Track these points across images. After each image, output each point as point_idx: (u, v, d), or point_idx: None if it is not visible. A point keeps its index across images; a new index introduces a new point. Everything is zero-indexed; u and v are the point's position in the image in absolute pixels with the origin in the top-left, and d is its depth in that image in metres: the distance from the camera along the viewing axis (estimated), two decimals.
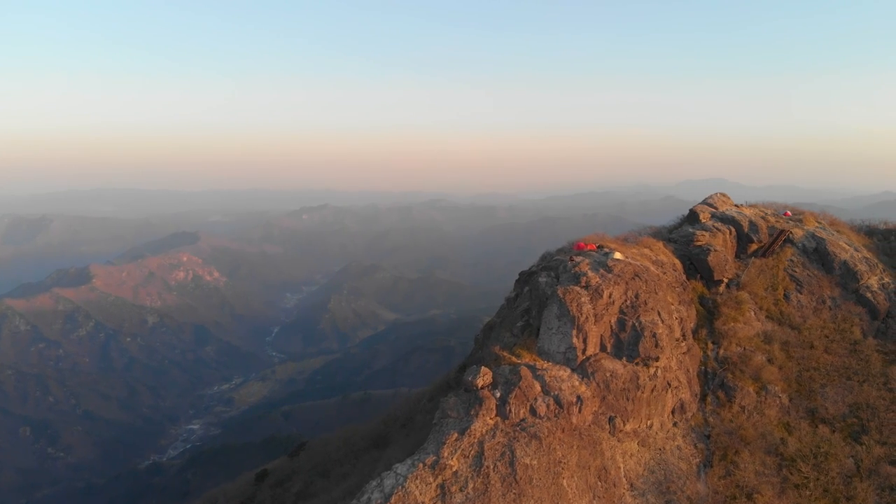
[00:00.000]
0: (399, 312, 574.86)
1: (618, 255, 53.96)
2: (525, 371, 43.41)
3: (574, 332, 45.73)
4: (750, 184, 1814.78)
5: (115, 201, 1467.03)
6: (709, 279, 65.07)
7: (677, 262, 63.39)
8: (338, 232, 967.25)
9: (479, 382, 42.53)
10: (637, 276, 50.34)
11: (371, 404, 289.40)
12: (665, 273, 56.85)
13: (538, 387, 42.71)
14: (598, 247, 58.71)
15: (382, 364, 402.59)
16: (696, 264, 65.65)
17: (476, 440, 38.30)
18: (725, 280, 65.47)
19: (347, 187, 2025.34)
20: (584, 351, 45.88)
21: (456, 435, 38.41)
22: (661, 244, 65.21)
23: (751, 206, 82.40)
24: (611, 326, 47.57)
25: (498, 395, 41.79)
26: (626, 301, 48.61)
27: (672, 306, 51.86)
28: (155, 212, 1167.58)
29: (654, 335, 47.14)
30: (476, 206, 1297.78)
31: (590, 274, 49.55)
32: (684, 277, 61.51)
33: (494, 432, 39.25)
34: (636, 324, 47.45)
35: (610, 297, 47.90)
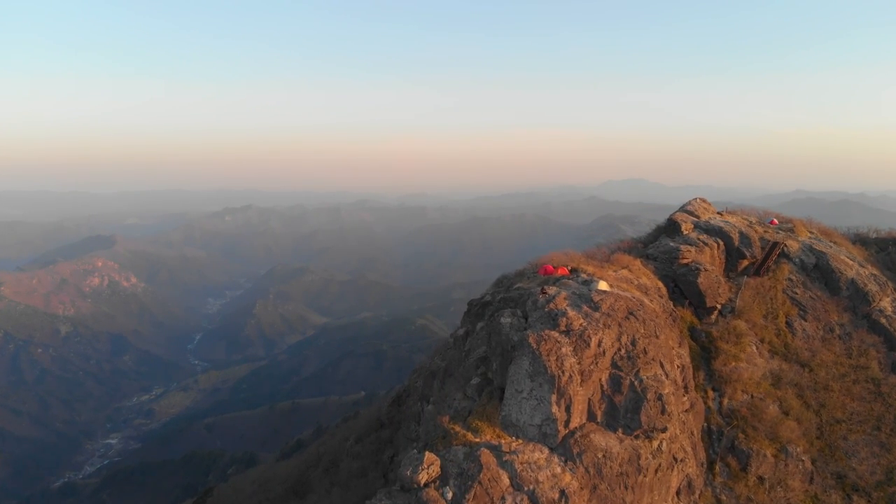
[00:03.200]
0: (329, 316, 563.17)
1: (603, 285, 41.20)
2: (487, 457, 30.47)
3: (553, 396, 32.79)
4: (669, 184, 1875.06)
5: (24, 204, 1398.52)
6: (699, 306, 52.86)
7: (661, 285, 51.17)
8: (263, 233, 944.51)
9: (422, 478, 29.43)
10: (632, 314, 37.66)
11: (299, 414, 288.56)
12: (652, 302, 44.60)
13: (506, 479, 29.87)
14: (572, 270, 46.18)
15: (311, 370, 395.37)
16: (682, 287, 53.39)
17: None
18: (718, 306, 53.50)
19: (271, 187, 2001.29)
20: (567, 423, 33.00)
21: None
22: (639, 263, 52.94)
23: (730, 212, 71.01)
24: (601, 386, 34.70)
25: (450, 495, 28.81)
26: (620, 350, 35.81)
27: (673, 351, 39.38)
28: (67, 215, 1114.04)
29: (660, 397, 34.48)
30: (406, 206, 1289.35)
31: (570, 313, 36.63)
32: (672, 305, 49.37)
33: None
34: (635, 382, 34.70)
35: (599, 345, 35.05)
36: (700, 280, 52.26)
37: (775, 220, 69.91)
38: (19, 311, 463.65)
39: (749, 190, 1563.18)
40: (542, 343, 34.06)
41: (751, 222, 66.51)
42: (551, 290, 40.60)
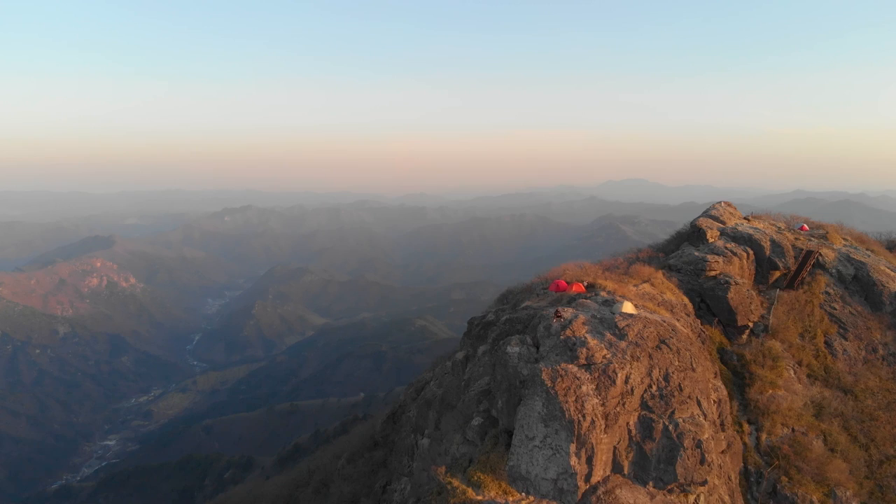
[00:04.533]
0: (328, 316, 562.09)
1: (628, 307, 34.99)
2: None
3: (572, 446, 27.03)
4: (669, 184, 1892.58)
5: (23, 204, 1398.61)
6: (728, 324, 46.78)
7: (687, 301, 45.22)
8: (262, 234, 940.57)
9: None
10: (664, 342, 31.70)
11: (298, 416, 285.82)
12: (680, 321, 38.76)
13: None
14: (588, 286, 40.29)
15: (310, 372, 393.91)
16: (710, 303, 47.38)
17: None
18: (751, 324, 47.51)
19: (271, 187, 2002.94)
20: (588, 476, 27.24)
21: None
22: (660, 275, 46.97)
23: (756, 216, 64.89)
24: (629, 432, 28.81)
25: None
26: (651, 388, 29.81)
27: (710, 384, 33.39)
28: (66, 215, 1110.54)
29: (699, 444, 28.56)
30: (405, 206, 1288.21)
31: (591, 342, 30.70)
32: (700, 324, 43.49)
33: None
34: (669, 426, 28.79)
35: (627, 382, 29.14)
36: (730, 295, 46.31)
37: (805, 226, 63.71)
38: (17, 312, 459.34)
39: (749, 190, 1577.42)
40: (559, 380, 28.28)
41: (780, 228, 60.37)
42: (567, 312, 34.50)
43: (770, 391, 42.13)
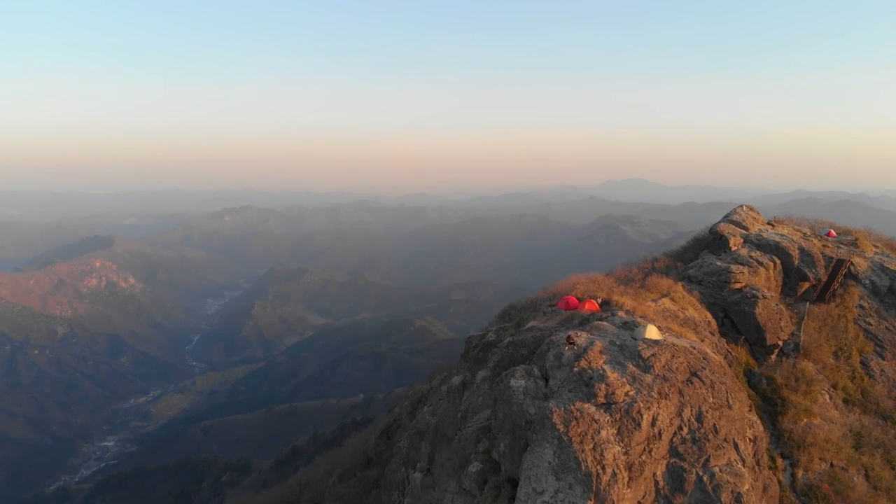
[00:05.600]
0: (328, 317, 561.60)
1: (652, 331, 29.94)
2: None
3: (590, 503, 22.54)
4: (669, 184, 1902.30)
5: (23, 204, 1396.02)
6: (756, 342, 41.98)
7: (711, 318, 40.53)
8: (262, 234, 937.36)
9: None
10: (695, 374, 26.92)
11: (297, 417, 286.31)
12: (704, 342, 34.12)
13: None
14: (602, 303, 35.60)
15: (309, 372, 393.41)
16: (735, 319, 42.53)
17: None
18: (780, 343, 42.81)
19: (270, 187, 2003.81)
20: None
21: None
22: (680, 288, 42.25)
23: (779, 221, 59.96)
24: (656, 484, 24.09)
25: None
26: (681, 430, 25.06)
27: (745, 420, 28.63)
28: (66, 215, 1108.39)
29: (738, 498, 23.73)
30: (405, 206, 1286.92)
31: (610, 376, 25.88)
32: (725, 344, 38.80)
33: None
34: (703, 476, 24.04)
35: (653, 424, 24.43)
36: (758, 310, 41.47)
37: (832, 232, 58.65)
38: (16, 313, 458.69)
39: (749, 190, 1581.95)
40: (573, 423, 23.59)
41: (805, 234, 55.53)
42: (580, 337, 29.52)
43: (805, 420, 37.26)
